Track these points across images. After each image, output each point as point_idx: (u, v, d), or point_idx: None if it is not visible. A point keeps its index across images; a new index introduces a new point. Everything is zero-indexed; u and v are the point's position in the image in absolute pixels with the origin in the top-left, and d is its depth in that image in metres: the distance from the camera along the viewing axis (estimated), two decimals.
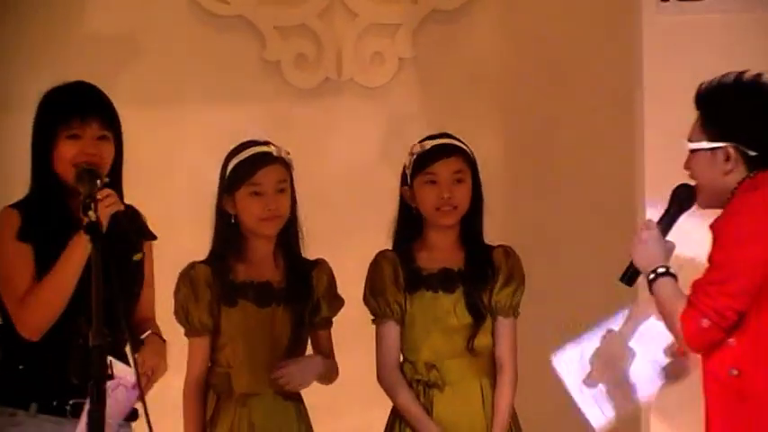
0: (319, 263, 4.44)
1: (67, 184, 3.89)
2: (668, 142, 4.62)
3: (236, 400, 4.28)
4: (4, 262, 3.86)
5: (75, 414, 3.68)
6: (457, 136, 4.35)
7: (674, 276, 3.74)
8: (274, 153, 4.34)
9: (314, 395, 4.68)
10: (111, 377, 3.23)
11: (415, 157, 4.33)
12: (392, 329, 4.26)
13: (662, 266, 3.78)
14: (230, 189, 4.30)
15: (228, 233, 4.29)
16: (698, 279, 3.67)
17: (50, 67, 5.04)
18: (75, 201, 3.80)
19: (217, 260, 4.27)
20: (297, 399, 4.32)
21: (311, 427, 4.35)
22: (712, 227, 3.68)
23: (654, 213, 4.27)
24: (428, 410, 4.24)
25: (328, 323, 4.38)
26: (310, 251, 4.78)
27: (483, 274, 4.29)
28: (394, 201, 4.69)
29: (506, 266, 4.35)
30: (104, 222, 3.55)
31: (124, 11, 5.70)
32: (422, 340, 4.34)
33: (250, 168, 4.33)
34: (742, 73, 3.68)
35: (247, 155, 4.35)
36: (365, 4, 5.75)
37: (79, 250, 3.64)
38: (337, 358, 4.75)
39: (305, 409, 4.32)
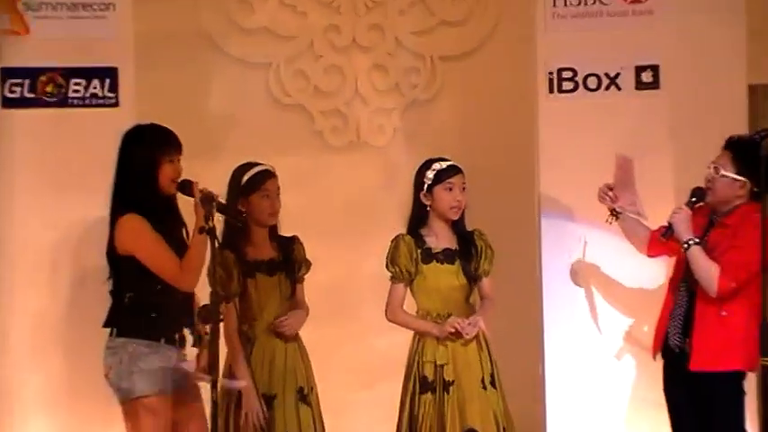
0: (294, 238, 5.18)
1: (168, 195, 4.85)
2: (559, 194, 5.90)
3: (260, 344, 5.01)
4: (157, 248, 4.73)
5: (183, 344, 4.87)
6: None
7: (699, 244, 4.89)
8: (272, 170, 5.11)
9: (349, 324, 6.23)
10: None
11: (435, 172, 5.00)
12: (401, 289, 4.98)
13: (693, 238, 4.91)
14: (246, 194, 5.00)
15: (236, 228, 4.96)
16: (729, 257, 4.83)
17: None
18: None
19: (229, 245, 4.87)
20: (296, 339, 5.07)
21: (307, 356, 5.10)
22: (728, 227, 4.94)
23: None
24: (439, 344, 4.91)
25: (302, 278, 5.13)
26: (338, 256, 6.23)
27: (470, 252, 5.03)
28: (393, 220, 5.68)
29: (484, 245, 5.09)
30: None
31: (222, 97, 6.88)
32: (434, 296, 5.02)
33: (261, 179, 5.02)
34: (765, 136, 4.69)
35: (258, 170, 5.06)
36: (373, 96, 6.93)
37: (204, 243, 4.51)
38: (353, 320, 6.33)
39: (302, 344, 5.10)
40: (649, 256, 5.36)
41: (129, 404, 4.76)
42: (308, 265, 5.12)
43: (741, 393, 4.98)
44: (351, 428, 5.56)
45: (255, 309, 4.95)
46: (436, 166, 4.95)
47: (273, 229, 5.06)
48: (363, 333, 6.21)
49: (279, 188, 5.00)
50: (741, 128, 5.55)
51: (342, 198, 6.81)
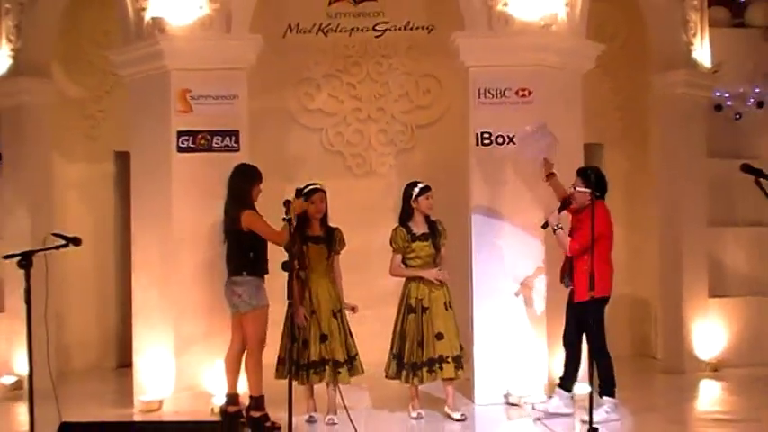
0: (336, 228, 5.26)
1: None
2: (482, 202, 5.81)
3: (310, 282, 5.19)
4: (266, 225, 5.01)
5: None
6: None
7: (561, 229, 5.16)
8: (320, 187, 5.21)
9: (364, 272, 6.32)
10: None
11: (419, 189, 5.20)
12: (398, 257, 5.25)
13: (558, 226, 5.15)
14: (306, 200, 5.10)
15: (303, 218, 5.13)
16: (576, 234, 5.03)
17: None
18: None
19: (298, 228, 4.99)
20: (331, 279, 5.22)
21: (336, 289, 5.23)
22: (580, 220, 5.06)
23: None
24: (418, 285, 5.11)
25: (339, 252, 5.25)
26: (360, 234, 6.08)
27: (435, 233, 5.22)
28: (389, 216, 5.79)
29: (442, 229, 5.26)
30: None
31: (296, 147, 7.30)
32: (417, 260, 5.23)
33: (311, 194, 5.15)
34: (593, 171, 4.99)
35: (313, 187, 5.19)
36: (379, 147, 7.53)
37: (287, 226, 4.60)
38: (367, 270, 6.35)
39: (334, 282, 5.24)
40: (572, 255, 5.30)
41: (252, 312, 5.06)
42: (342, 244, 5.29)
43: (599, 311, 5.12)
44: (365, 331, 5.50)
45: (308, 263, 5.19)
46: (420, 185, 5.24)
47: (324, 220, 5.25)
48: (372, 278, 6.40)
49: (322, 198, 5.19)
50: (579, 165, 5.74)
51: (361, 203, 7.19)
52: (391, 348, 5.24)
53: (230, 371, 5.26)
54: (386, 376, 5.31)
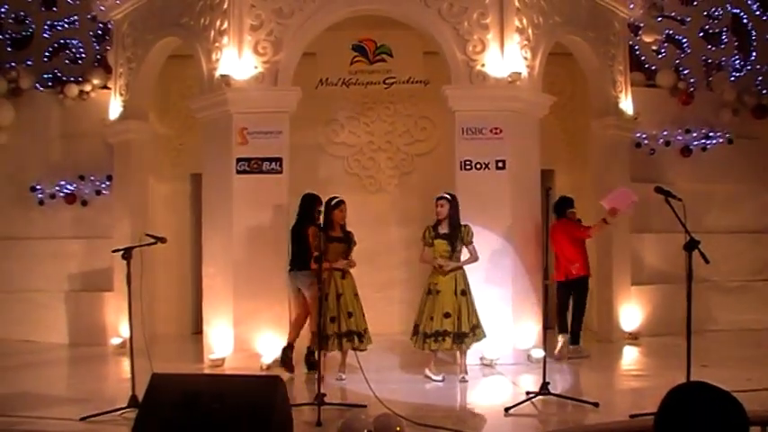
0: (351, 231, 5.09)
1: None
2: (466, 211, 5.22)
3: (333, 275, 4.97)
4: (311, 243, 4.98)
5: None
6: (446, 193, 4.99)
7: None
8: (342, 199, 5.12)
9: (378, 263, 6.50)
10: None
11: (438, 198, 4.98)
12: (428, 249, 4.94)
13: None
14: (332, 209, 5.04)
15: (328, 222, 5.01)
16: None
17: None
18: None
19: (323, 229, 4.85)
20: (348, 273, 4.99)
21: (353, 278, 5.03)
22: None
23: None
24: (436, 273, 4.82)
25: (352, 248, 5.06)
26: (373, 236, 6.04)
27: (455, 235, 4.87)
28: (395, 222, 6.38)
29: (464, 231, 4.93)
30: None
31: (324, 170, 7.08)
32: (437, 252, 4.94)
33: (339, 203, 5.08)
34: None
35: (338, 199, 5.09)
36: (387, 170, 7.30)
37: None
38: (379, 262, 6.42)
39: (352, 276, 5.04)
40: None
41: (311, 292, 5.05)
42: (355, 242, 5.14)
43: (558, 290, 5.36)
44: (381, 308, 5.59)
45: (330, 257, 4.95)
46: (437, 196, 5.02)
47: (343, 225, 5.13)
48: (380, 268, 6.55)
49: (345, 208, 5.11)
50: (537, 188, 5.73)
51: (373, 213, 7.08)
52: (415, 323, 5.01)
53: (295, 328, 5.25)
54: (412, 343, 5.01)
